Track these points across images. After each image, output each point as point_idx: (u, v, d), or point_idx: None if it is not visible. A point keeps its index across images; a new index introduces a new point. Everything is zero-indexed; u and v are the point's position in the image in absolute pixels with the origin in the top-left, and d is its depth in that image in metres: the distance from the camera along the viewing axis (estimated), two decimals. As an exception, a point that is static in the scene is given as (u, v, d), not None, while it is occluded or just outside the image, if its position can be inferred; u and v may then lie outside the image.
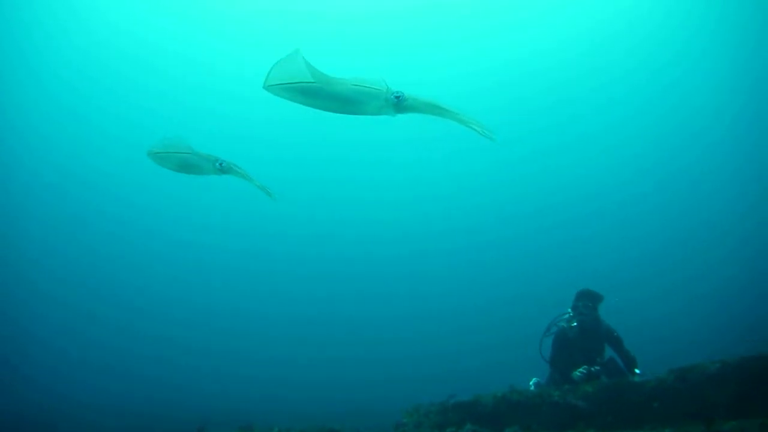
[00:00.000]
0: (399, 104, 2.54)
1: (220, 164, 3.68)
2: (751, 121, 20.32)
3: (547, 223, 22.47)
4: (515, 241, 22.28)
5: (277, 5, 20.21)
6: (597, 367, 5.32)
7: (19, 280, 19.63)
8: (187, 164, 3.72)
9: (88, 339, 18.55)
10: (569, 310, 5.73)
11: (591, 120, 22.63)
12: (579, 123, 22.64)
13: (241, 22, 20.83)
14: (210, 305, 20.78)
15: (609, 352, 5.66)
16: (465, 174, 22.92)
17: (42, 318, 19.17)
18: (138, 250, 22.41)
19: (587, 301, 5.62)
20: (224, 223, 22.94)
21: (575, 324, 5.56)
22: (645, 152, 22.35)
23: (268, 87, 2.55)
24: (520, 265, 21.09)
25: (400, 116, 2.61)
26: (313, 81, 2.54)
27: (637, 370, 5.37)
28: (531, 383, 5.81)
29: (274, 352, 17.99)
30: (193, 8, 20.34)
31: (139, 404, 13.61)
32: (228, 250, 22.82)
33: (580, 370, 5.29)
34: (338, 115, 2.66)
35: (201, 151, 3.74)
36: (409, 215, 22.89)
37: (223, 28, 21.09)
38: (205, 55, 21.93)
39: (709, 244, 20.74)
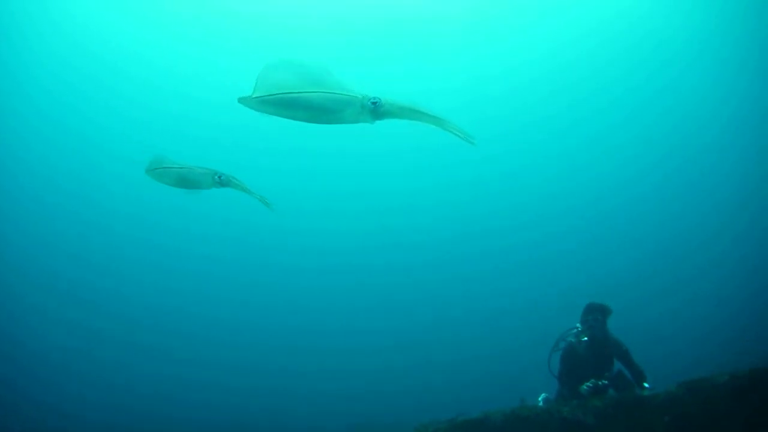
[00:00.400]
0: (376, 110, 2.44)
1: (219, 177, 3.66)
2: (750, 121, 20.35)
3: (549, 228, 22.45)
4: (518, 246, 22.23)
5: (268, 10, 20.17)
6: (604, 381, 5.28)
7: (15, 294, 19.47)
8: (186, 179, 3.69)
9: (85, 353, 18.41)
10: (578, 324, 5.68)
11: (591, 122, 22.70)
12: (580, 125, 22.71)
13: (232, 29, 20.79)
14: (211, 316, 20.67)
15: (617, 366, 5.61)
16: (464, 181, 22.90)
17: (36, 331, 19.00)
18: (136, 262, 22.26)
19: (597, 314, 5.58)
20: (225, 233, 22.84)
21: (586, 338, 5.50)
22: (645, 153, 22.40)
23: (241, 101, 2.52)
24: (524, 272, 21.04)
25: (380, 123, 2.52)
26: (284, 92, 2.47)
27: (645, 384, 5.32)
28: (540, 399, 5.74)
29: (275, 363, 17.87)
30: (173, 14, 20.22)
31: (138, 419, 13.49)
32: (229, 261, 22.72)
33: (588, 384, 5.25)
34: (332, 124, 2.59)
35: (198, 165, 3.71)
36: (414, 224, 22.79)
37: (209, 35, 20.98)
38: (199, 60, 21.86)
39: (710, 243, 20.77)
